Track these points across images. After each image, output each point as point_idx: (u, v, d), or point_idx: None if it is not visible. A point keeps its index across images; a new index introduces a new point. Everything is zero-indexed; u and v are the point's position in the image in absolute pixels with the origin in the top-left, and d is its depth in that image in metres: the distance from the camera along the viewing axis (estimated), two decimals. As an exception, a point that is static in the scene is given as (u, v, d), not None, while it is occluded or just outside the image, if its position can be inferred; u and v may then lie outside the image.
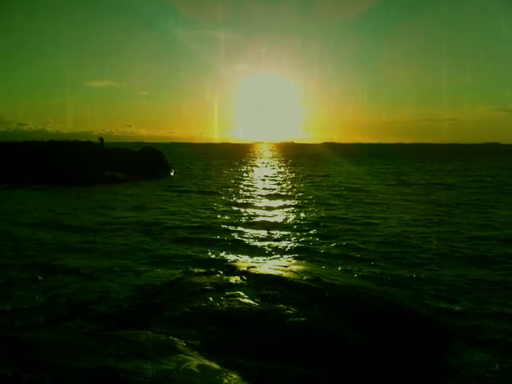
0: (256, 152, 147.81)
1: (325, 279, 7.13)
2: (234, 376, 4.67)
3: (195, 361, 4.83)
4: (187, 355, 4.97)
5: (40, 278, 10.27)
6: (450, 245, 14.74)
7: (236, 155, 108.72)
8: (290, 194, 29.88)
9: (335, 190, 31.66)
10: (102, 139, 43.08)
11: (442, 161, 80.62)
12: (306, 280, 7.06)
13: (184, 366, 4.64)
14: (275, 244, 15.01)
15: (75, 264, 11.85)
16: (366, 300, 6.81)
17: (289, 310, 6.14)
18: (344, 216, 20.68)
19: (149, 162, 41.69)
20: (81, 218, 19.44)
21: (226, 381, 4.54)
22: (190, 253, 13.61)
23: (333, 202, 26.01)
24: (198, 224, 18.43)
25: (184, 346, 5.23)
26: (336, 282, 7.13)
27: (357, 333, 6.01)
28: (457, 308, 9.04)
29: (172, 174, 44.65)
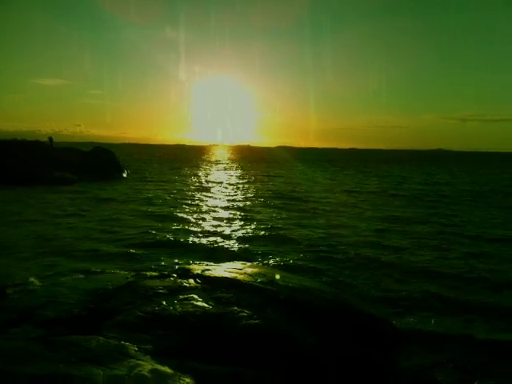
0: (211, 154, 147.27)
1: (279, 281, 7.20)
2: (187, 380, 4.63)
3: (147, 365, 4.77)
4: (139, 360, 4.89)
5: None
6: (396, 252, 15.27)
7: (190, 157, 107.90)
8: (243, 197, 29.90)
9: (280, 195, 31.83)
10: (51, 138, 41.75)
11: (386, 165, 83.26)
12: (261, 282, 7.10)
13: (136, 371, 4.56)
14: (229, 248, 15.01)
15: (20, 267, 11.42)
16: (320, 302, 6.93)
17: (243, 312, 6.16)
18: (295, 220, 20.93)
19: (100, 162, 40.74)
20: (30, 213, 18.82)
21: (179, 385, 4.50)
22: (142, 256, 13.39)
23: (286, 205, 26.28)
24: (149, 227, 18.16)
25: (136, 351, 5.15)
26: (290, 285, 7.21)
27: (310, 335, 6.10)
28: (405, 311, 9.37)
29: (125, 175, 43.81)
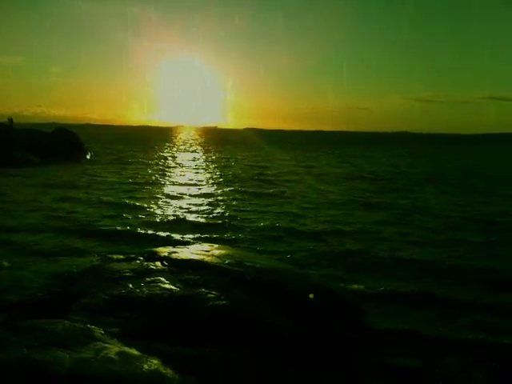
0: (176, 136, 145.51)
1: (246, 263, 7.24)
2: (155, 361, 4.65)
3: (114, 348, 4.76)
4: (106, 343, 4.87)
5: None
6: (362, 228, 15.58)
7: (156, 139, 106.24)
8: (206, 181, 29.74)
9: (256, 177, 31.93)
10: (11, 119, 40.36)
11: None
12: (228, 264, 7.13)
13: (102, 354, 4.55)
14: (196, 228, 14.99)
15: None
16: (287, 282, 7.02)
17: (210, 294, 6.19)
18: (260, 203, 20.97)
19: (63, 144, 39.71)
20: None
21: (146, 366, 4.51)
22: (107, 239, 13.21)
23: (256, 187, 26.35)
24: (116, 209, 17.91)
25: (102, 334, 5.12)
26: (257, 266, 7.27)
27: (277, 314, 6.19)
28: (368, 287, 9.66)
29: (88, 157, 42.99)
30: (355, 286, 9.50)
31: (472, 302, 8.89)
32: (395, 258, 11.82)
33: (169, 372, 4.52)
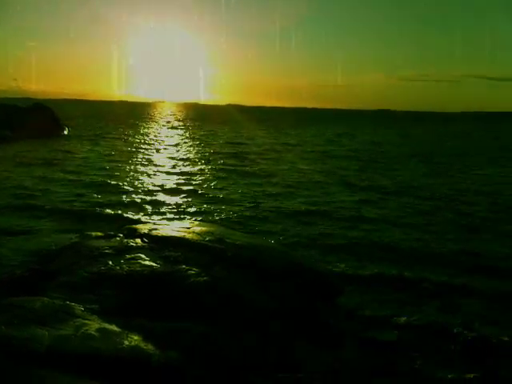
0: (155, 112, 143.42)
1: (227, 239, 7.26)
2: (135, 337, 4.67)
3: (94, 325, 4.75)
4: (86, 319, 4.86)
5: None
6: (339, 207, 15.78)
7: (134, 115, 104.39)
8: (189, 158, 29.47)
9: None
10: (-16, 93, 39.30)
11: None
12: (209, 241, 7.14)
13: (82, 331, 4.55)
14: (176, 206, 14.93)
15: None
16: (267, 259, 7.08)
17: (191, 270, 6.20)
18: (237, 180, 20.91)
19: (39, 119, 38.83)
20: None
21: (126, 342, 4.53)
22: (83, 218, 13.02)
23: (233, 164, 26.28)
24: (94, 186, 17.70)
25: (82, 311, 5.11)
26: (238, 242, 7.30)
27: (257, 291, 6.25)
28: (346, 267, 9.88)
29: (66, 132, 42.25)
30: (334, 266, 9.64)
31: (446, 284, 9.12)
32: (374, 240, 11.96)
33: (149, 347, 4.55)
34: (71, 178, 19.59)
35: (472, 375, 5.82)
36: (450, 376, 5.82)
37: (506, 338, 6.85)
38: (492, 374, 5.90)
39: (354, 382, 5.38)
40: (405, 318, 7.56)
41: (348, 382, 5.32)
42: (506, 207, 16.36)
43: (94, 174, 20.77)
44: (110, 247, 6.93)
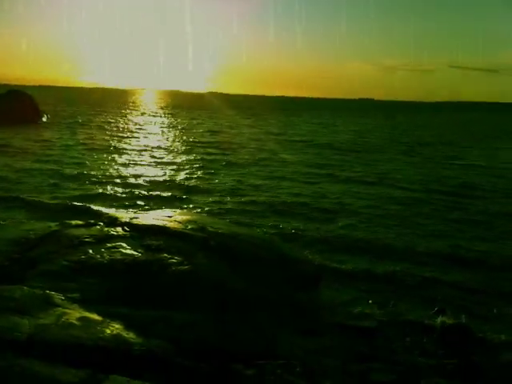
0: (135, 99, 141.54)
1: (209, 228, 7.25)
2: (117, 326, 4.65)
3: (75, 313, 4.72)
4: (66, 308, 4.82)
5: None
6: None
7: (114, 102, 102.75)
8: (170, 147, 29.26)
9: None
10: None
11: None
12: (191, 229, 7.11)
13: (63, 319, 4.51)
14: (156, 197, 14.82)
15: None
16: (249, 247, 7.09)
17: (173, 259, 6.18)
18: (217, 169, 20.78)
19: (18, 106, 38.07)
20: None
21: (108, 331, 4.51)
22: (67, 204, 12.88)
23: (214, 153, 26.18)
24: (75, 174, 17.47)
25: (63, 300, 5.06)
26: (220, 231, 7.29)
27: (241, 279, 6.27)
28: (327, 257, 10.10)
29: (44, 119, 41.57)
30: (315, 258, 9.72)
31: (425, 277, 9.29)
32: (355, 232, 12.08)
33: (131, 336, 4.53)
34: (49, 167, 19.26)
35: (449, 361, 5.98)
36: (428, 362, 5.96)
37: (482, 327, 7.10)
38: (467, 360, 6.08)
39: (336, 368, 5.46)
40: (384, 308, 7.74)
41: (330, 368, 5.40)
42: (484, 198, 16.65)
43: (73, 163, 20.47)
44: (91, 236, 6.85)
